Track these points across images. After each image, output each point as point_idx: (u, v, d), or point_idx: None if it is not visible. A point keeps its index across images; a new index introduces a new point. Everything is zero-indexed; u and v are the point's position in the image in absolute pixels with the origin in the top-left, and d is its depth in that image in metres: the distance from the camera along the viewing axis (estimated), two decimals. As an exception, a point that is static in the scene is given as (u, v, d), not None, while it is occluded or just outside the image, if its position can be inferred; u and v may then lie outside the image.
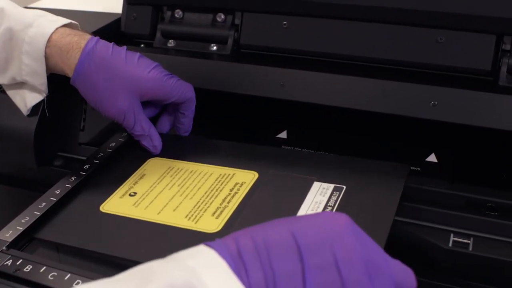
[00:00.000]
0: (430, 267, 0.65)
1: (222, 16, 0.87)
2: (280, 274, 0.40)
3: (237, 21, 0.86)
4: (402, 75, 0.76)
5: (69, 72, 0.72)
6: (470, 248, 0.63)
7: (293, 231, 0.42)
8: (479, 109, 0.70)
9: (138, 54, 0.73)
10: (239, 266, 0.40)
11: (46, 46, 0.71)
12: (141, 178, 0.71)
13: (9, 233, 0.62)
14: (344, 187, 0.65)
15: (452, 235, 0.65)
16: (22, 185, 0.81)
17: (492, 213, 0.66)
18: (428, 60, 0.77)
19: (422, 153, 0.76)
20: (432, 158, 0.76)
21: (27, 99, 0.75)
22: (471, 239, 0.64)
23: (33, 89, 0.74)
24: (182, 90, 0.74)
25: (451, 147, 0.76)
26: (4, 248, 0.60)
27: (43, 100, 0.76)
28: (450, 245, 0.63)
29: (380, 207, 0.62)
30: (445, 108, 0.71)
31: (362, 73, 0.76)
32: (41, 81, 0.73)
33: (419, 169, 0.74)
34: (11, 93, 0.76)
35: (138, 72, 0.72)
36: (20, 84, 0.75)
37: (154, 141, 0.75)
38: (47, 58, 0.72)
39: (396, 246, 0.65)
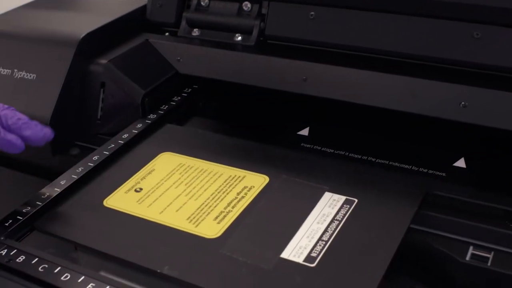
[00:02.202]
0: (445, 281, 0.60)
1: (249, 5, 0.83)
2: None
3: (263, 11, 0.82)
4: (433, 73, 0.71)
5: None
6: (489, 263, 0.57)
7: None
8: (513, 112, 0.65)
9: None
10: None
11: None
12: (149, 173, 0.69)
13: (9, 222, 0.61)
14: (356, 200, 0.62)
15: (471, 247, 0.60)
16: (36, 172, 0.80)
17: (518, 226, 0.60)
18: (462, 57, 0.72)
19: (450, 157, 0.71)
20: (461, 163, 0.70)
21: None
22: (492, 253, 0.59)
23: None
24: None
25: (482, 152, 0.71)
26: (1, 237, 0.59)
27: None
28: (468, 258, 0.58)
29: (389, 226, 0.58)
30: (475, 109, 0.66)
31: (390, 69, 0.72)
32: None
33: (444, 174, 0.69)
34: None
35: None
36: None
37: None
38: None
39: (410, 257, 0.61)
